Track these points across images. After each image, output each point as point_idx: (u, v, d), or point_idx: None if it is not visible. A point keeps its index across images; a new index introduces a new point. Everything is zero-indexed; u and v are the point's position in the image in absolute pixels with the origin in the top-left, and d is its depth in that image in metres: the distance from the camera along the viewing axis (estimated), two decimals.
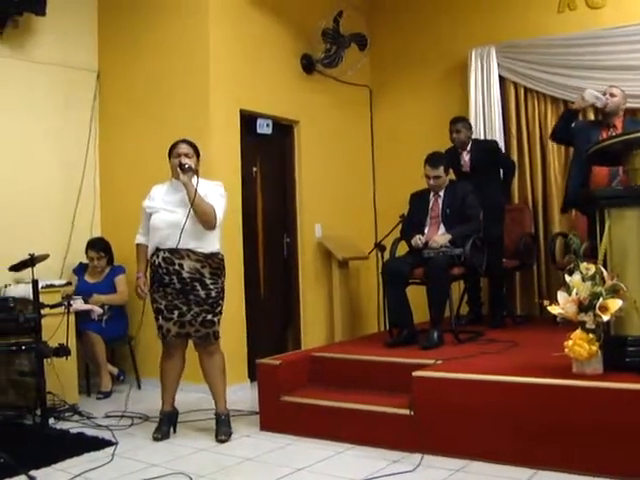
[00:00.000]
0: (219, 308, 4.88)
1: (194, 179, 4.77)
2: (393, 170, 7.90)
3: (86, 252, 6.64)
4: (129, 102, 6.88)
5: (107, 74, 7.08)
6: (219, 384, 4.95)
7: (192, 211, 4.69)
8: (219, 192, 4.90)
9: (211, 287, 4.81)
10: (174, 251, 4.75)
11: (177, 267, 4.75)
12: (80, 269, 6.71)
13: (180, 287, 4.77)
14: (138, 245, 5.04)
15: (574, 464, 3.80)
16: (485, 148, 6.64)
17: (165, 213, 4.81)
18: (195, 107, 6.37)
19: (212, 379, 4.95)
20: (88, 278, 6.64)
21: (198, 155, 4.93)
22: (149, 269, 4.94)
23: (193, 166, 4.79)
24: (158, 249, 4.81)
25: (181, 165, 4.74)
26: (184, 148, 4.86)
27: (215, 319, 4.84)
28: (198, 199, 4.69)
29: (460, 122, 6.61)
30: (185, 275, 4.75)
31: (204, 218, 4.72)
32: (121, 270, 6.66)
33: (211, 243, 4.83)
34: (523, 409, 4.01)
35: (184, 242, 4.72)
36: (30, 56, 6.56)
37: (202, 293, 4.78)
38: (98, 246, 6.64)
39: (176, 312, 4.79)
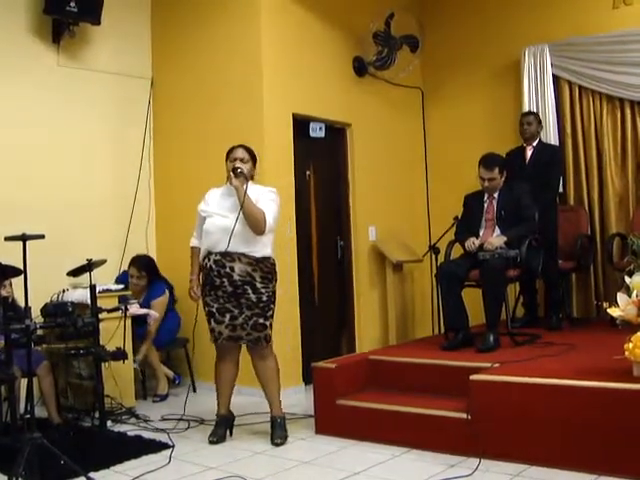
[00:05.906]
0: (270, 312, 4.88)
1: (245, 184, 4.78)
2: (446, 172, 7.84)
3: (128, 267, 6.53)
4: (182, 108, 6.95)
5: (161, 81, 7.16)
6: (273, 387, 4.96)
7: (242, 215, 4.71)
8: (270, 197, 4.90)
9: (262, 291, 4.81)
10: (225, 254, 4.76)
11: (228, 270, 4.76)
12: (123, 281, 6.42)
13: (231, 290, 4.78)
14: (192, 248, 5.08)
15: (637, 470, 3.72)
16: (548, 151, 6.60)
17: (218, 218, 4.84)
18: (248, 112, 6.40)
19: (266, 383, 4.96)
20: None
21: (254, 160, 4.96)
22: (201, 272, 4.97)
23: (246, 171, 4.81)
24: (210, 252, 4.84)
25: (234, 170, 4.77)
26: (240, 153, 4.89)
27: (267, 323, 4.84)
28: (248, 202, 4.69)
29: (531, 115, 6.75)
30: (236, 278, 4.76)
31: (253, 222, 4.71)
32: (160, 292, 6.45)
33: (263, 248, 4.83)
34: (583, 413, 3.94)
35: (234, 246, 4.74)
36: (86, 65, 6.68)
37: (253, 297, 4.78)
38: (140, 263, 6.49)
39: (228, 315, 4.81)
